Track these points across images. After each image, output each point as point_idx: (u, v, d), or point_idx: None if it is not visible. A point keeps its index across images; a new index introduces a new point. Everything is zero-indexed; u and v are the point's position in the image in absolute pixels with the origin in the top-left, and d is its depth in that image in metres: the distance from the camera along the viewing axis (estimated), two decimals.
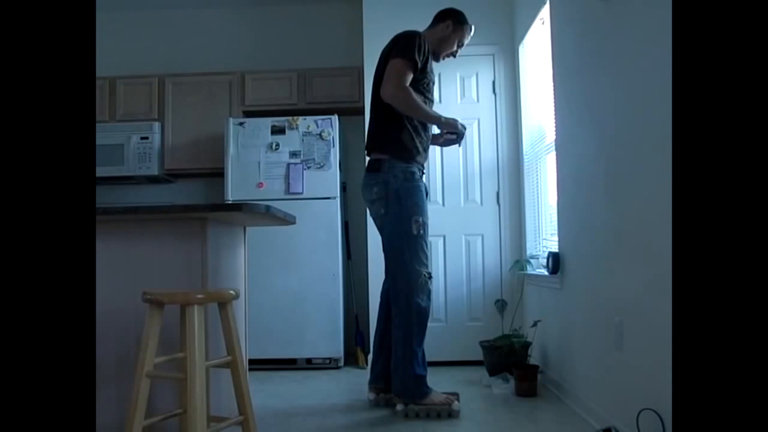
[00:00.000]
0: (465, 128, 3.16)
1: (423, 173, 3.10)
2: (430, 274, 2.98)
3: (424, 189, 3.04)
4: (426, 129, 3.11)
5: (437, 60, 3.22)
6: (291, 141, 4.26)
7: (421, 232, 2.95)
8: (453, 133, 3.13)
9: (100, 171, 4.55)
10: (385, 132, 3.02)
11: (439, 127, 3.11)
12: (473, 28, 3.27)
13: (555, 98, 3.25)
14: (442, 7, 3.26)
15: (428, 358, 3.00)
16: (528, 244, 4.11)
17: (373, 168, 3.03)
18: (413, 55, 2.92)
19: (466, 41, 3.26)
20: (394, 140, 2.99)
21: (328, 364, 4.17)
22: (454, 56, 3.28)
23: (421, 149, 3.05)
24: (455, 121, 3.10)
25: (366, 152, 3.14)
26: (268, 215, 2.45)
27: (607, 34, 2.48)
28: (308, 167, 4.23)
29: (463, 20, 3.20)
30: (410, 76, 2.94)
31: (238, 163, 4.27)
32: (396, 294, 2.95)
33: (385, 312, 3.14)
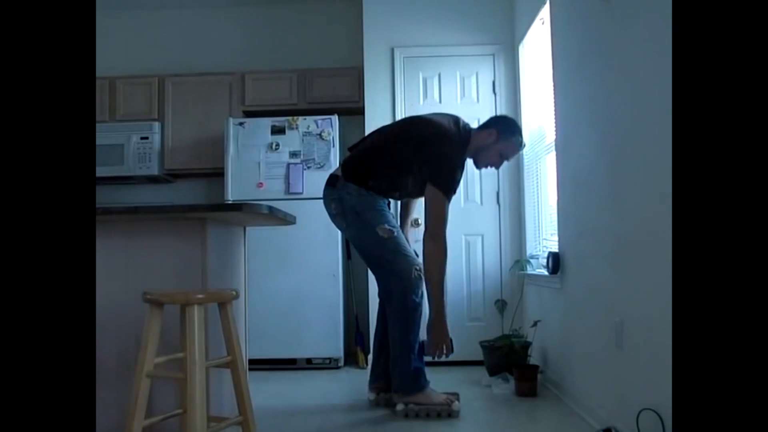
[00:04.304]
0: (451, 348, 2.89)
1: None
2: (420, 267, 2.89)
3: (383, 200, 2.94)
4: (402, 197, 3.06)
5: (477, 168, 3.05)
6: (291, 141, 4.25)
7: (394, 234, 2.88)
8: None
9: (100, 171, 4.55)
10: (366, 166, 2.91)
11: (429, 322, 2.87)
12: (524, 144, 3.01)
13: (555, 98, 3.24)
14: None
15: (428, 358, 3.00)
16: (528, 244, 4.11)
17: (329, 183, 3.00)
18: (452, 193, 2.81)
19: (512, 157, 3.02)
20: (367, 173, 2.89)
21: (328, 364, 4.17)
22: (497, 168, 3.06)
23: (385, 196, 2.94)
24: (443, 338, 2.85)
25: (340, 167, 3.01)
26: (268, 215, 2.45)
27: (608, 34, 2.48)
28: (308, 167, 4.23)
29: (511, 132, 2.94)
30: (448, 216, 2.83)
31: (238, 163, 4.27)
32: (390, 295, 2.94)
33: (383, 314, 3.13)
